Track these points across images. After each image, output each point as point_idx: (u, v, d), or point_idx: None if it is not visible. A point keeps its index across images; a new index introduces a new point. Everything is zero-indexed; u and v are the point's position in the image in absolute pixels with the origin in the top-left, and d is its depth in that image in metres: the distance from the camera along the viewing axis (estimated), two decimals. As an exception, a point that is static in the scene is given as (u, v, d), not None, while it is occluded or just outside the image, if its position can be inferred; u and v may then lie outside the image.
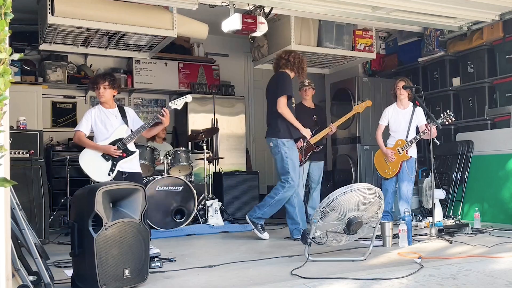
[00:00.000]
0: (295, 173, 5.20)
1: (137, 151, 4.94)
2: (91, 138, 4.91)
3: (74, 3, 5.56)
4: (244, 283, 3.29)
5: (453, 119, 5.71)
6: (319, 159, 6.53)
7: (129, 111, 5.05)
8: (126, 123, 4.94)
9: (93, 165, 4.81)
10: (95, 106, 5.00)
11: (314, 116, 6.53)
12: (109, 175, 4.76)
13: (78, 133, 4.85)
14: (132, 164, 4.92)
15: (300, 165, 6.33)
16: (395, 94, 5.99)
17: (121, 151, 4.80)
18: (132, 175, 4.86)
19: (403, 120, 5.90)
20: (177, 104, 5.05)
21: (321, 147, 6.49)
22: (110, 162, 4.81)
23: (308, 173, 6.51)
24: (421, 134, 5.67)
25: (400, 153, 5.79)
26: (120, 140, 4.84)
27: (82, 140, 4.84)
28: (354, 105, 6.44)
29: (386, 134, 6.06)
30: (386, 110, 6.06)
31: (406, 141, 5.78)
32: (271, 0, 5.77)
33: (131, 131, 4.90)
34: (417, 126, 5.90)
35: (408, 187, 5.83)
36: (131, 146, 4.89)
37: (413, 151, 5.84)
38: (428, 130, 5.45)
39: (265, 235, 5.33)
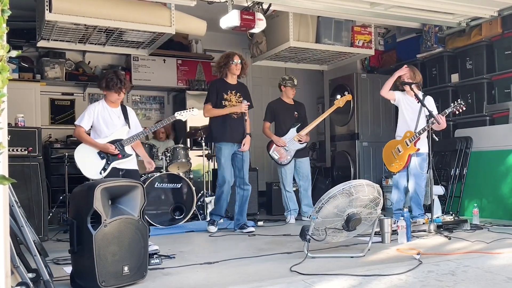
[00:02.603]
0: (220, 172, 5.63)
1: (133, 154, 4.98)
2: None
3: (72, -1, 5.55)
4: (243, 280, 3.29)
5: (464, 108, 5.45)
6: (304, 155, 6.55)
7: (131, 114, 5.09)
8: (128, 125, 4.97)
9: (87, 161, 4.85)
10: (99, 101, 4.99)
11: (295, 113, 6.54)
12: (100, 173, 4.79)
13: (78, 129, 4.88)
14: (129, 161, 4.94)
15: (286, 164, 6.37)
16: (400, 83, 5.74)
17: (117, 151, 4.82)
18: (129, 172, 4.90)
19: (412, 109, 5.68)
20: (183, 115, 5.25)
21: (305, 143, 6.51)
22: (104, 161, 4.85)
23: (295, 170, 6.52)
24: (430, 124, 5.33)
25: (407, 145, 5.56)
26: (119, 141, 4.86)
27: (82, 136, 4.88)
28: (335, 100, 6.44)
29: (390, 128, 5.83)
30: (396, 93, 5.79)
31: (415, 132, 5.57)
32: (270, -4, 5.79)
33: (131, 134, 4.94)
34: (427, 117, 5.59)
35: (419, 184, 5.64)
36: (128, 149, 4.92)
37: (423, 145, 5.53)
38: (439, 120, 5.28)
39: (211, 228, 5.68)
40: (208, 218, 5.87)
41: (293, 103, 6.63)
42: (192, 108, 5.35)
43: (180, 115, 5.21)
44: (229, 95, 5.60)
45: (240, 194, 5.66)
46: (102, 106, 4.91)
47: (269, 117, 6.58)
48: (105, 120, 4.88)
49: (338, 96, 6.42)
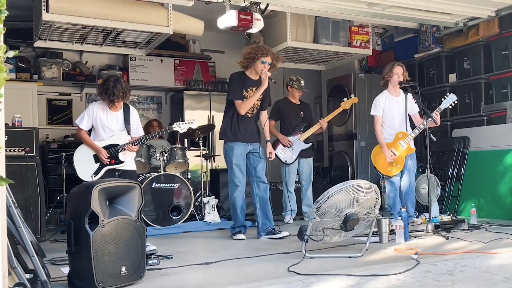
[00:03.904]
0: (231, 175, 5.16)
1: (125, 162, 4.91)
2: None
3: (69, -1, 5.54)
4: (241, 280, 3.28)
5: (456, 102, 5.45)
6: (308, 155, 6.56)
7: (133, 116, 4.99)
8: (128, 128, 4.91)
9: (82, 162, 4.88)
10: (100, 101, 4.89)
11: (301, 113, 6.55)
12: (91, 177, 4.78)
13: (78, 130, 4.91)
14: (126, 163, 4.92)
15: (290, 164, 6.38)
16: (386, 81, 5.66)
17: (109, 158, 4.80)
18: (126, 173, 4.88)
19: (397, 109, 5.56)
20: (181, 127, 5.10)
21: (310, 144, 6.51)
22: (97, 164, 4.86)
23: (298, 170, 6.53)
24: (425, 123, 5.27)
25: (403, 147, 5.48)
26: (115, 146, 4.84)
27: (82, 136, 4.91)
28: (341, 102, 6.44)
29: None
30: (378, 99, 5.66)
31: (408, 132, 5.47)
32: (267, -4, 5.78)
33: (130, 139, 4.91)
34: (409, 115, 5.58)
35: (413, 183, 5.63)
36: (122, 155, 4.88)
37: (412, 143, 5.52)
38: (436, 121, 5.26)
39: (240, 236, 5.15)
40: (230, 232, 5.26)
41: (299, 103, 6.63)
42: (193, 120, 5.16)
43: (178, 127, 5.08)
44: (249, 92, 5.11)
45: (259, 196, 5.15)
46: (102, 108, 4.85)
47: (275, 115, 6.56)
48: (102, 123, 4.84)
49: (345, 99, 6.44)
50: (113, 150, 4.83)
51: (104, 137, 4.87)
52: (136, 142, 4.90)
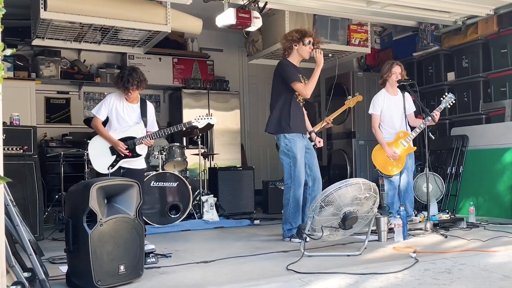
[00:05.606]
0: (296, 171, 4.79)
1: (142, 155, 4.91)
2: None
3: (67, -3, 5.52)
4: (239, 279, 3.28)
5: (454, 101, 5.52)
6: None
7: (150, 111, 4.98)
8: (145, 122, 4.90)
9: (98, 154, 4.87)
10: (118, 93, 4.88)
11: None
12: (108, 169, 4.77)
13: (95, 119, 4.87)
14: (134, 160, 4.91)
15: None
16: (384, 80, 5.63)
17: (128, 150, 4.79)
18: (131, 172, 4.84)
19: (396, 108, 5.55)
20: (200, 122, 5.08)
21: (314, 144, 6.50)
22: (114, 157, 4.85)
23: None
24: (425, 122, 5.28)
25: (405, 146, 5.47)
26: (131, 139, 4.82)
27: (98, 127, 4.88)
28: (346, 100, 6.43)
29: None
30: (377, 98, 5.64)
31: (408, 132, 5.45)
32: (266, -5, 5.76)
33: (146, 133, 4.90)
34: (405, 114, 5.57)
35: (412, 182, 5.63)
36: (139, 148, 4.87)
37: (412, 142, 5.53)
38: (435, 115, 5.28)
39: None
40: (287, 235, 4.78)
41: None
42: (211, 116, 5.14)
43: (197, 122, 5.04)
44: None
45: (312, 196, 4.82)
46: (119, 99, 4.85)
47: None
48: (118, 114, 4.84)
49: (349, 97, 6.43)
50: (130, 143, 4.82)
51: (117, 128, 4.85)
52: (153, 136, 4.89)
